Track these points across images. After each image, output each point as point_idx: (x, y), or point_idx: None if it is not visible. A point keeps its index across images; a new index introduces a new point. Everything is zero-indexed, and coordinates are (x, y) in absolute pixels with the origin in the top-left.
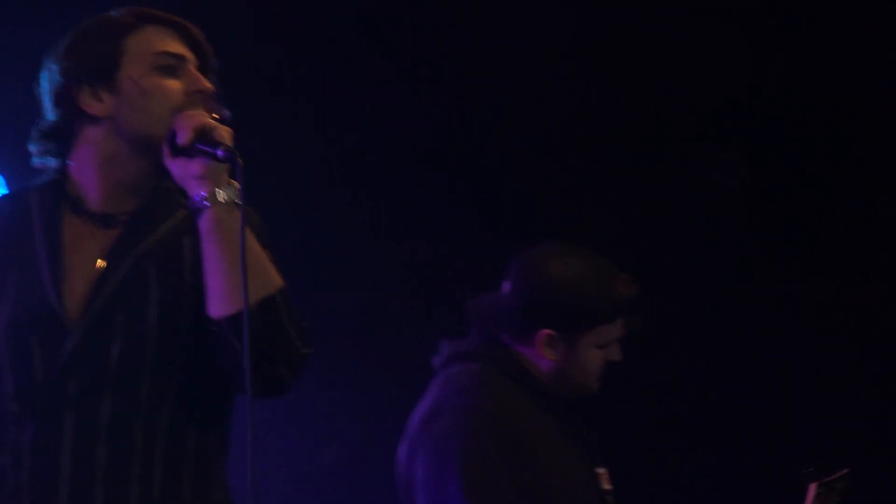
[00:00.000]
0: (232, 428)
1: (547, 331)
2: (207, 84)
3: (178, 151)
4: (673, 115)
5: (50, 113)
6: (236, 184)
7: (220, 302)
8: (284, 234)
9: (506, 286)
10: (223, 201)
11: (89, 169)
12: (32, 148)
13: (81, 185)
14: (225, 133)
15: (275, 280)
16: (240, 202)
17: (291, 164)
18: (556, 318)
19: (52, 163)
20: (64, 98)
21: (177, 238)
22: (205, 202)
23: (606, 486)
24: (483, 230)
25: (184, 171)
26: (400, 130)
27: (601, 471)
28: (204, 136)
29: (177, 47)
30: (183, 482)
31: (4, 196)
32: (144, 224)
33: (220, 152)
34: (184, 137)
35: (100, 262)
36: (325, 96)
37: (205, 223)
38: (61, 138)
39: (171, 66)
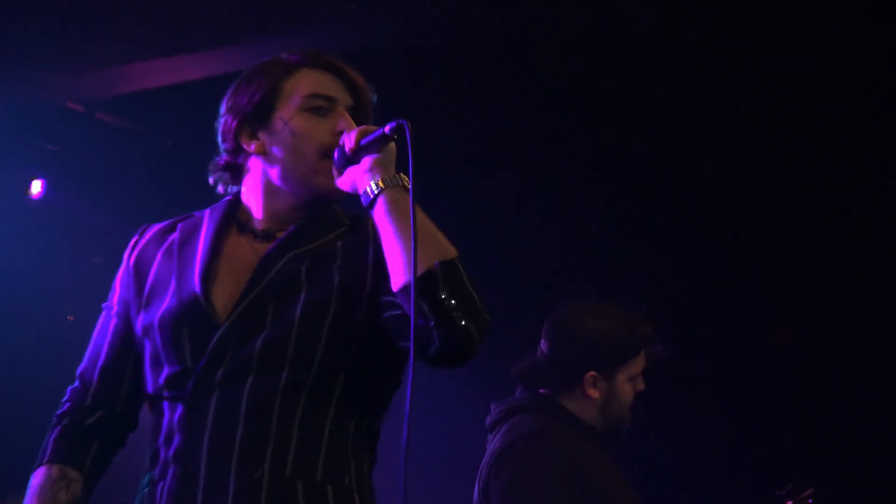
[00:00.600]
0: (379, 417)
1: (591, 372)
2: (353, 124)
3: (347, 162)
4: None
5: (220, 146)
6: (403, 175)
7: (403, 273)
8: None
9: (544, 346)
10: (392, 186)
11: (253, 196)
12: (210, 175)
13: (249, 208)
14: (367, 128)
15: (451, 248)
16: (409, 184)
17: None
18: (598, 360)
19: (230, 188)
20: (228, 135)
21: (330, 244)
22: (376, 190)
23: None
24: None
25: (354, 175)
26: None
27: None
28: (366, 133)
29: (328, 89)
30: (319, 461)
31: (189, 214)
32: (301, 237)
33: (387, 129)
34: (350, 142)
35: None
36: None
37: (379, 208)
38: (230, 169)
39: (320, 107)
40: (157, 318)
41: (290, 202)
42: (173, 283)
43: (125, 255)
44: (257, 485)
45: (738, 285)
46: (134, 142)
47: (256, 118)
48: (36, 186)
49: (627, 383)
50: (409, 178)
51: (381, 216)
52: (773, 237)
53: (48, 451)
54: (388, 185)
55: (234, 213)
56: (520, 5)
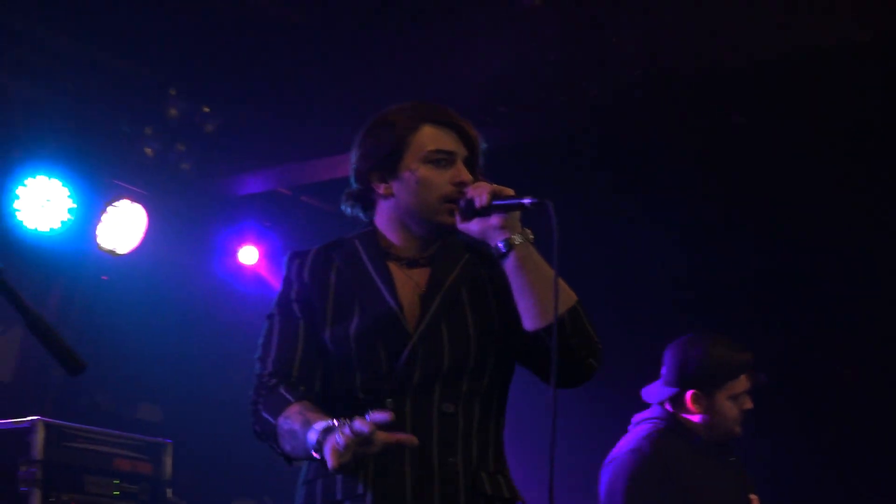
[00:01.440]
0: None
1: (692, 391)
2: (469, 176)
3: (474, 213)
4: None
5: (353, 183)
6: (528, 230)
7: (535, 317)
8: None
9: (664, 369)
10: (522, 242)
11: (389, 228)
12: (343, 205)
13: (386, 237)
14: (509, 191)
15: (572, 294)
16: (555, 262)
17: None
18: (697, 381)
19: (362, 217)
20: (361, 178)
21: (475, 272)
22: (509, 245)
23: None
24: None
25: (484, 226)
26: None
27: (753, 497)
28: (498, 196)
29: (448, 144)
30: (489, 456)
31: (334, 241)
32: (444, 264)
33: (526, 201)
34: (483, 201)
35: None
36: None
37: (511, 262)
38: (361, 202)
39: (441, 160)
40: (351, 330)
41: (419, 234)
42: (359, 301)
43: (293, 274)
44: (455, 475)
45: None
46: (328, 220)
47: (386, 166)
48: (252, 256)
49: (728, 401)
50: (554, 254)
51: (515, 267)
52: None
53: (283, 398)
54: (521, 242)
55: (376, 240)
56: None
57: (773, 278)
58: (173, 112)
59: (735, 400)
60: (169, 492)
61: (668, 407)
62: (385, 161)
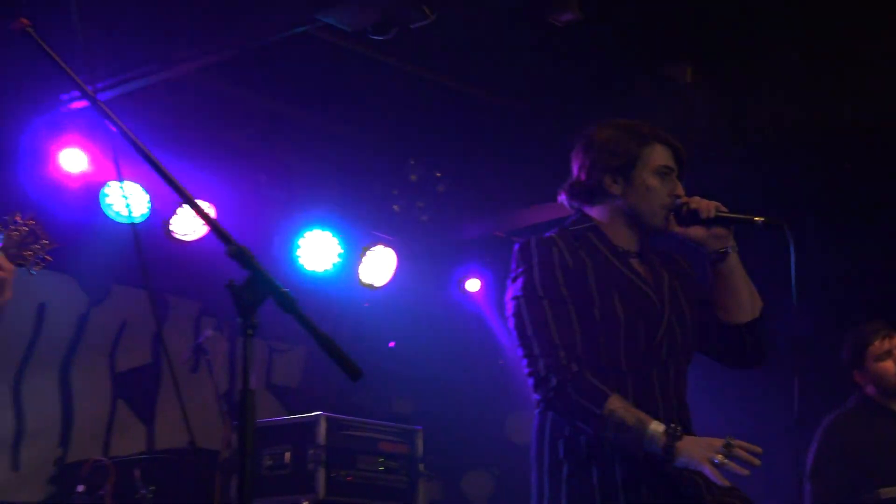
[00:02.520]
0: None
1: (856, 370)
2: (682, 190)
3: (695, 222)
4: None
5: (580, 177)
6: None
7: (739, 313)
8: None
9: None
10: (734, 251)
11: (609, 223)
12: (565, 196)
13: (607, 234)
14: (723, 207)
15: (759, 300)
16: (793, 279)
17: None
18: (854, 357)
19: (575, 209)
20: (594, 175)
21: (681, 268)
22: (726, 252)
23: None
24: None
25: (706, 233)
26: None
27: None
28: (721, 209)
29: (669, 161)
30: (688, 412)
31: (562, 231)
32: (652, 259)
33: (759, 220)
34: (709, 213)
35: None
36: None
37: (727, 265)
38: (584, 195)
39: (665, 174)
40: (617, 313)
41: (635, 232)
42: (616, 287)
43: (555, 258)
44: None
45: None
46: None
47: (620, 171)
48: (475, 285)
49: (883, 363)
50: (792, 272)
51: (729, 270)
52: None
53: (599, 388)
54: (735, 250)
55: (605, 235)
56: None
57: None
58: (413, 177)
59: (884, 357)
60: (421, 466)
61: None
62: (622, 167)
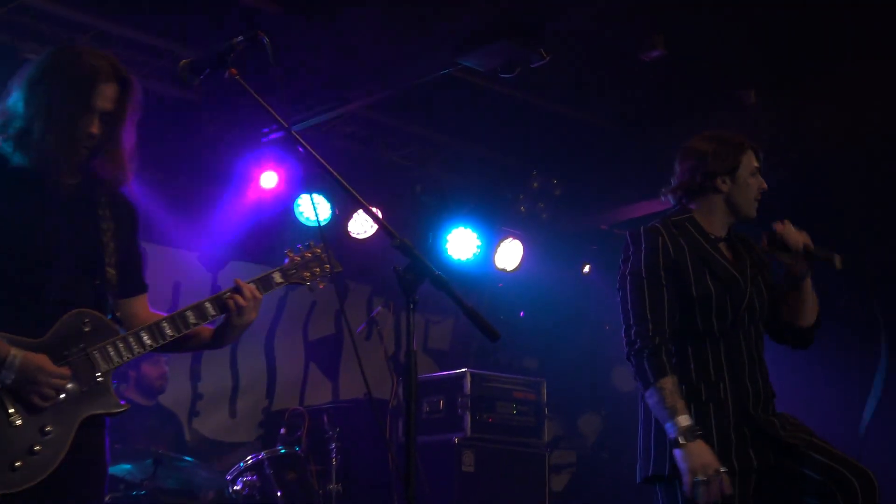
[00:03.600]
0: None
1: None
2: (765, 185)
3: (784, 250)
4: None
5: (693, 178)
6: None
7: (802, 320)
8: None
9: None
10: (808, 278)
11: (707, 214)
12: (670, 194)
13: (701, 222)
14: (809, 241)
15: (817, 310)
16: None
17: None
18: None
19: (677, 202)
20: (708, 176)
21: (757, 253)
22: (803, 278)
23: None
24: None
25: (793, 260)
26: None
27: None
28: (808, 247)
29: (757, 163)
30: (766, 367)
31: (667, 223)
32: (735, 244)
33: (838, 259)
34: (798, 247)
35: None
36: None
37: (804, 286)
38: (692, 191)
39: (754, 174)
40: (710, 289)
41: (729, 220)
42: (709, 267)
43: (660, 246)
44: (765, 380)
45: None
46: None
47: (727, 172)
48: (586, 269)
49: None
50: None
51: (804, 289)
52: None
53: (664, 366)
54: (808, 276)
55: (700, 224)
56: None
57: None
58: (535, 185)
59: None
60: (545, 410)
61: None
62: (731, 170)
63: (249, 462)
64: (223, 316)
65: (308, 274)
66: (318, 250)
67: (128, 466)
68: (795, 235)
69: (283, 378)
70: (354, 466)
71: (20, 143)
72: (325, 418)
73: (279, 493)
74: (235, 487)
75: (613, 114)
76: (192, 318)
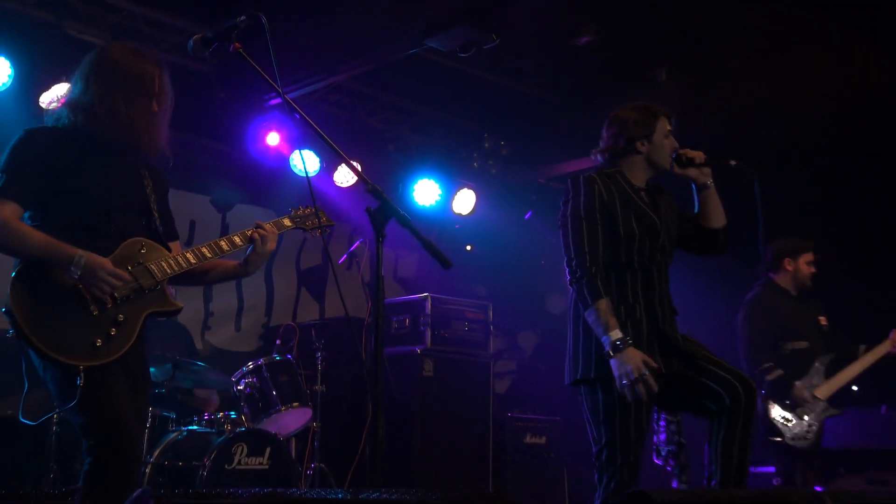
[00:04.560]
0: None
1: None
2: (676, 144)
3: (690, 165)
4: None
5: (617, 142)
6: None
7: (716, 222)
8: None
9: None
10: (712, 183)
11: (631, 170)
12: (599, 154)
13: (627, 175)
14: (703, 155)
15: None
16: (759, 208)
17: None
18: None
19: (607, 160)
20: (630, 141)
21: (668, 198)
22: (708, 185)
23: None
24: None
25: (697, 172)
26: None
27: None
28: (702, 156)
29: (669, 126)
30: (670, 294)
31: (598, 174)
32: (652, 192)
33: (733, 163)
34: (700, 159)
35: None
36: None
37: (708, 192)
38: (617, 153)
39: (668, 135)
40: (634, 230)
41: (648, 174)
42: (635, 213)
43: (596, 192)
44: (669, 300)
45: None
46: (549, 191)
47: (646, 136)
48: (526, 214)
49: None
50: (756, 197)
51: (710, 195)
52: None
53: (600, 290)
54: (711, 184)
55: (627, 177)
56: None
57: None
58: (486, 145)
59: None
60: (491, 328)
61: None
62: (645, 133)
63: (251, 367)
64: (249, 249)
65: (309, 223)
66: (311, 209)
67: (152, 370)
68: (695, 153)
69: (279, 300)
70: (335, 371)
71: (88, 118)
72: (313, 332)
73: (274, 392)
74: (239, 387)
75: (551, 88)
76: (225, 246)
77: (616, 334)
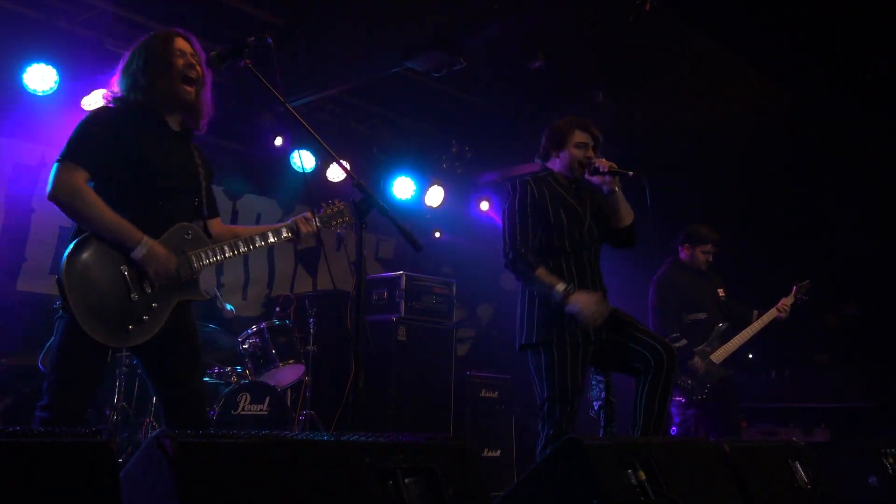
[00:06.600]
0: None
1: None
2: (592, 154)
3: (598, 173)
4: None
5: (545, 149)
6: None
7: (623, 222)
8: None
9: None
10: (619, 191)
11: (558, 173)
12: (538, 159)
13: (557, 177)
14: (614, 165)
15: (632, 212)
16: (648, 200)
17: None
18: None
19: (540, 164)
20: (545, 151)
21: (594, 196)
22: (615, 191)
23: None
24: None
25: (602, 180)
26: None
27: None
28: (613, 167)
29: (584, 139)
30: (601, 276)
31: (533, 177)
32: (578, 192)
33: (630, 174)
34: (605, 168)
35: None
36: None
37: (616, 197)
38: (543, 158)
39: (583, 146)
40: (562, 220)
41: (570, 178)
42: (563, 207)
43: (528, 192)
44: (602, 281)
45: None
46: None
47: (558, 146)
48: (486, 206)
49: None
50: (648, 199)
51: (616, 201)
52: None
53: (533, 263)
54: (619, 190)
55: (556, 179)
56: None
57: None
58: (454, 150)
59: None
60: (455, 301)
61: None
62: (559, 144)
63: (254, 329)
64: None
65: (335, 223)
66: (343, 206)
67: None
68: (604, 162)
69: (279, 274)
70: (325, 334)
71: (147, 93)
72: (307, 302)
73: (273, 351)
74: (244, 346)
75: (508, 103)
76: (258, 242)
77: (561, 286)
